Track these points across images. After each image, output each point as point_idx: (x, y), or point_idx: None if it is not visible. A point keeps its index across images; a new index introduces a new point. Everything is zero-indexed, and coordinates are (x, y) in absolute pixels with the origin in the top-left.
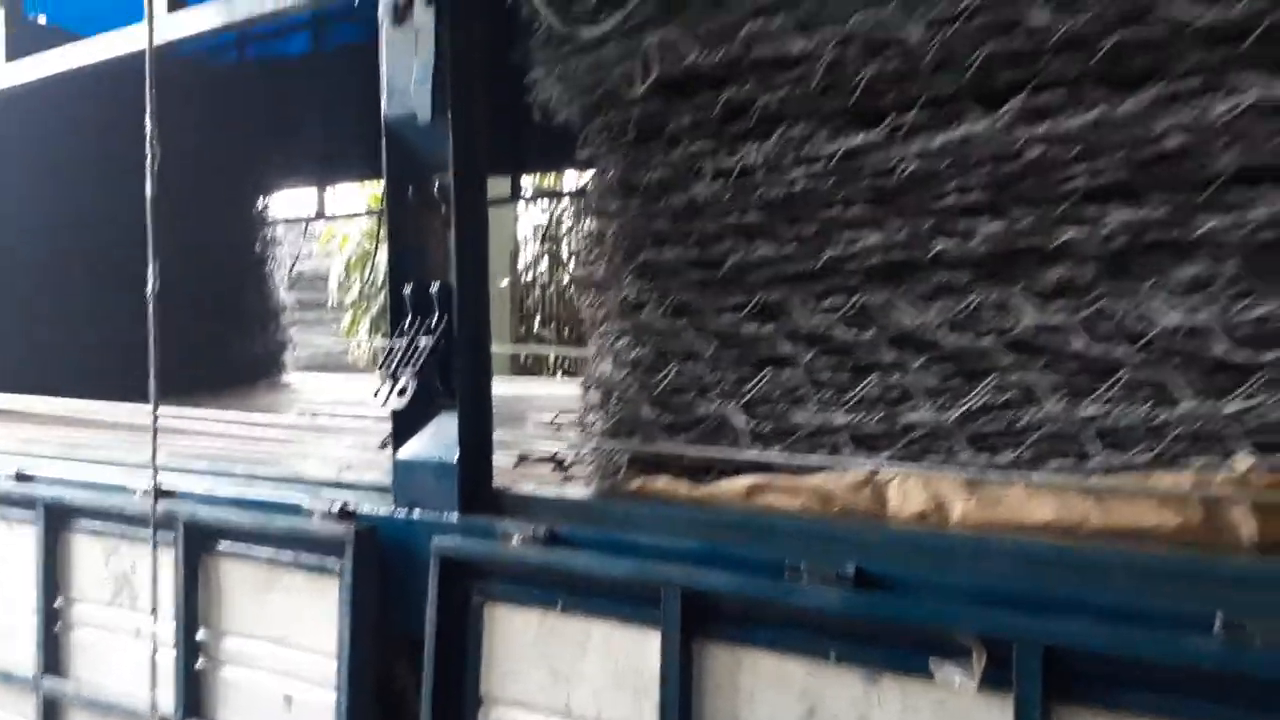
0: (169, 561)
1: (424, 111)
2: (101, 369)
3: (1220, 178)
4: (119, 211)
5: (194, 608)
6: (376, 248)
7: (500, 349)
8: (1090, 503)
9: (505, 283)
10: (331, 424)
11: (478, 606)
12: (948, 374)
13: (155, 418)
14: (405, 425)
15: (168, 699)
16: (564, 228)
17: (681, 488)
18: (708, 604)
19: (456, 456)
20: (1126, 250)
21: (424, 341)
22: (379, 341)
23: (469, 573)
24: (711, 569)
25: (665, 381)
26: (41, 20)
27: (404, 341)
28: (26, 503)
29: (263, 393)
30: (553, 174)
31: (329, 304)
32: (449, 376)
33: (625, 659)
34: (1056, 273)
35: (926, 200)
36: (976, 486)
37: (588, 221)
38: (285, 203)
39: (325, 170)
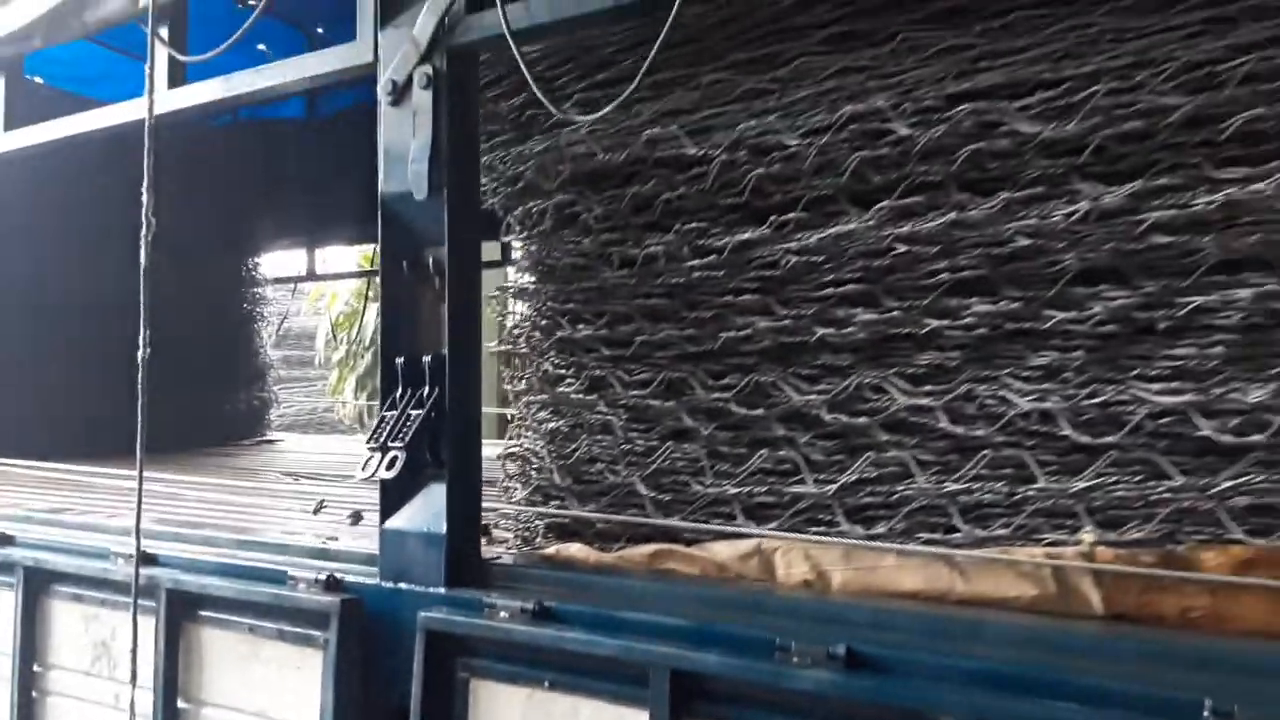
0: (150, 629)
1: (420, 189)
2: (85, 427)
3: (1064, 276)
4: (103, 272)
5: (174, 677)
6: (364, 308)
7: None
8: (955, 573)
9: (495, 344)
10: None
11: (464, 682)
12: (830, 450)
13: (141, 483)
14: (393, 495)
15: None
16: None
17: (592, 554)
18: (696, 684)
19: (445, 528)
20: (988, 339)
21: (415, 413)
22: (363, 401)
23: (455, 647)
24: (700, 648)
25: (578, 451)
26: (38, 81)
27: (394, 414)
28: (6, 567)
29: (246, 452)
30: None
31: (316, 362)
32: (438, 448)
33: None
34: (926, 358)
35: (808, 290)
36: (853, 556)
37: (510, 300)
38: (275, 262)
39: (315, 232)
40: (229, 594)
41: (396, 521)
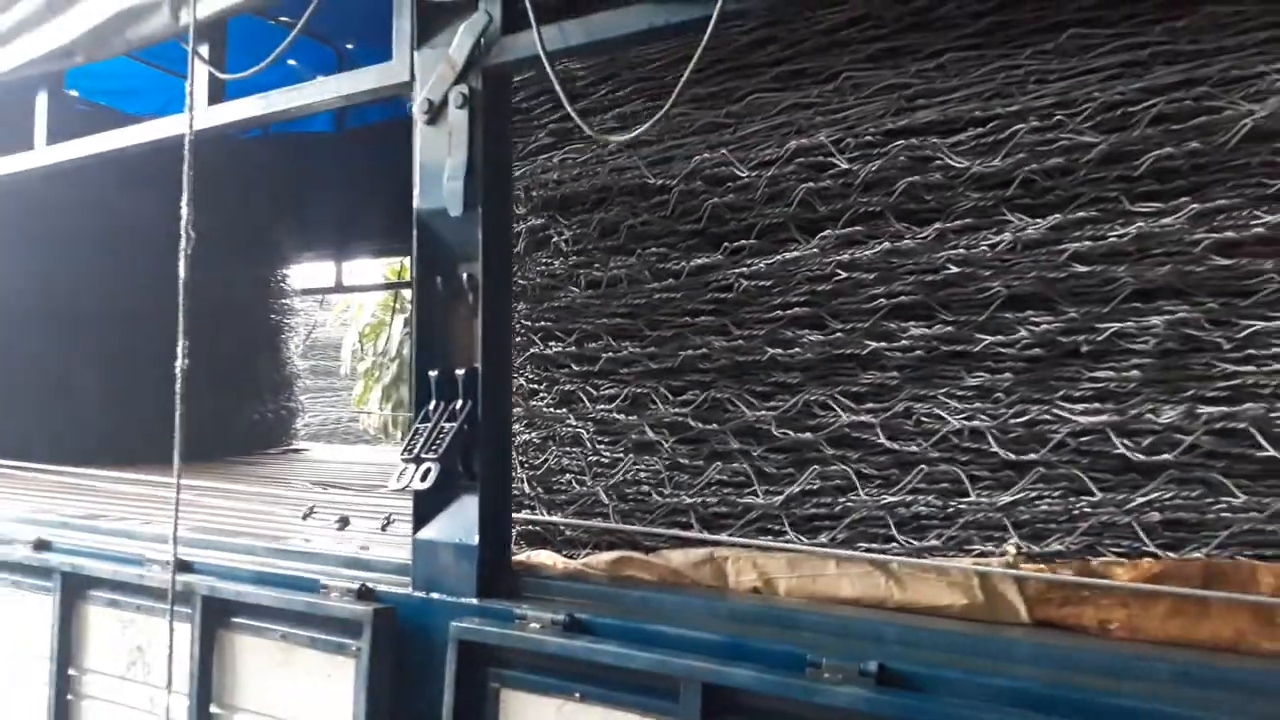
0: (184, 635)
1: (455, 206)
2: (114, 435)
3: (993, 302)
4: (134, 282)
5: (208, 682)
6: (391, 320)
7: None
8: (891, 582)
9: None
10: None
11: (495, 692)
12: (781, 463)
13: (178, 491)
14: (426, 506)
15: None
16: None
17: (559, 560)
18: (727, 698)
19: (477, 539)
20: (925, 360)
21: (448, 426)
22: (388, 411)
23: (487, 658)
24: (732, 663)
25: (547, 462)
26: (74, 95)
27: (428, 426)
28: (44, 572)
29: (273, 461)
30: None
31: (341, 372)
32: (471, 460)
33: None
34: (868, 377)
35: (761, 312)
36: (797, 565)
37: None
38: (303, 273)
39: (342, 244)
40: (263, 601)
41: (429, 532)
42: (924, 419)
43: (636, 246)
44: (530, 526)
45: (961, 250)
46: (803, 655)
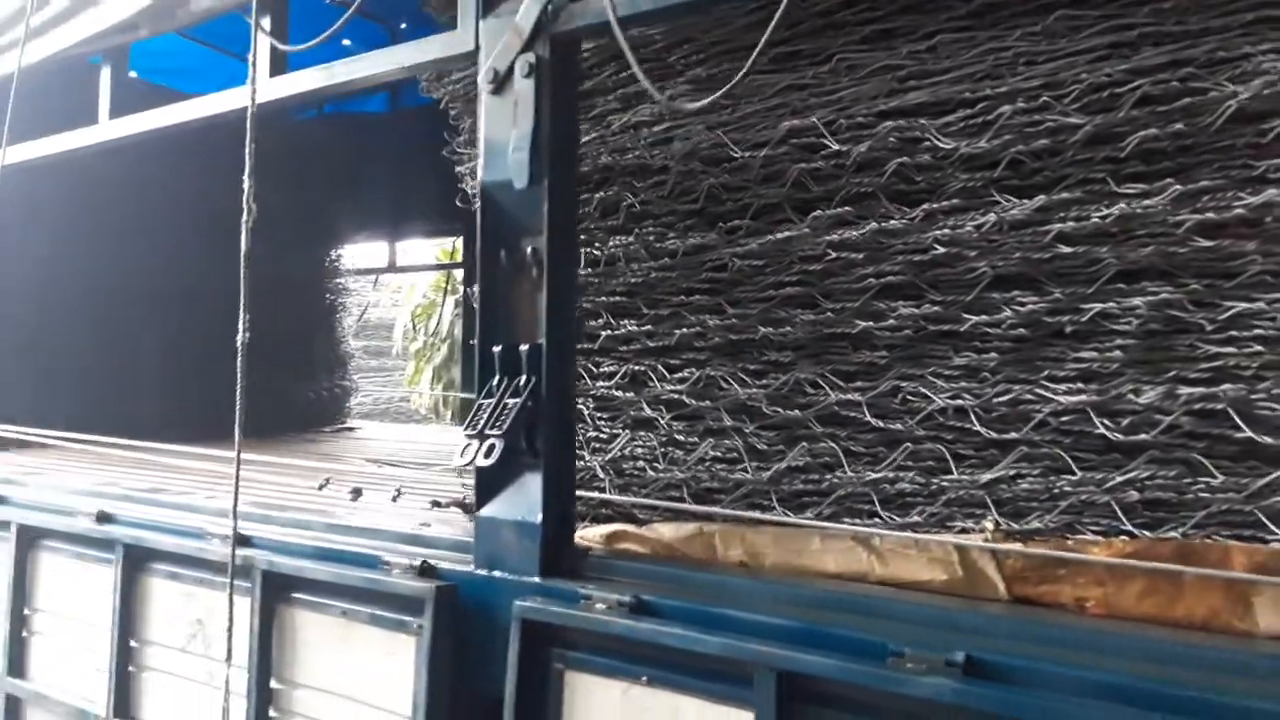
0: (244, 609)
1: (521, 178)
2: (176, 412)
3: (980, 282)
4: (189, 262)
5: (267, 657)
6: (443, 300)
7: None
8: (873, 558)
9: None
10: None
11: (559, 673)
12: (772, 440)
13: (239, 466)
14: (489, 483)
15: None
16: None
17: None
18: (805, 687)
19: (540, 517)
20: (914, 339)
21: (512, 402)
22: (439, 391)
23: (551, 638)
24: (808, 650)
25: None
26: (133, 76)
27: (491, 402)
28: (106, 544)
29: (327, 439)
30: None
31: (393, 353)
32: (534, 437)
33: None
34: (860, 356)
35: (753, 292)
36: (782, 540)
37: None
38: (357, 254)
39: (395, 224)
40: (323, 577)
41: (491, 509)
42: (910, 397)
43: (635, 226)
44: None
45: (948, 231)
46: (883, 644)
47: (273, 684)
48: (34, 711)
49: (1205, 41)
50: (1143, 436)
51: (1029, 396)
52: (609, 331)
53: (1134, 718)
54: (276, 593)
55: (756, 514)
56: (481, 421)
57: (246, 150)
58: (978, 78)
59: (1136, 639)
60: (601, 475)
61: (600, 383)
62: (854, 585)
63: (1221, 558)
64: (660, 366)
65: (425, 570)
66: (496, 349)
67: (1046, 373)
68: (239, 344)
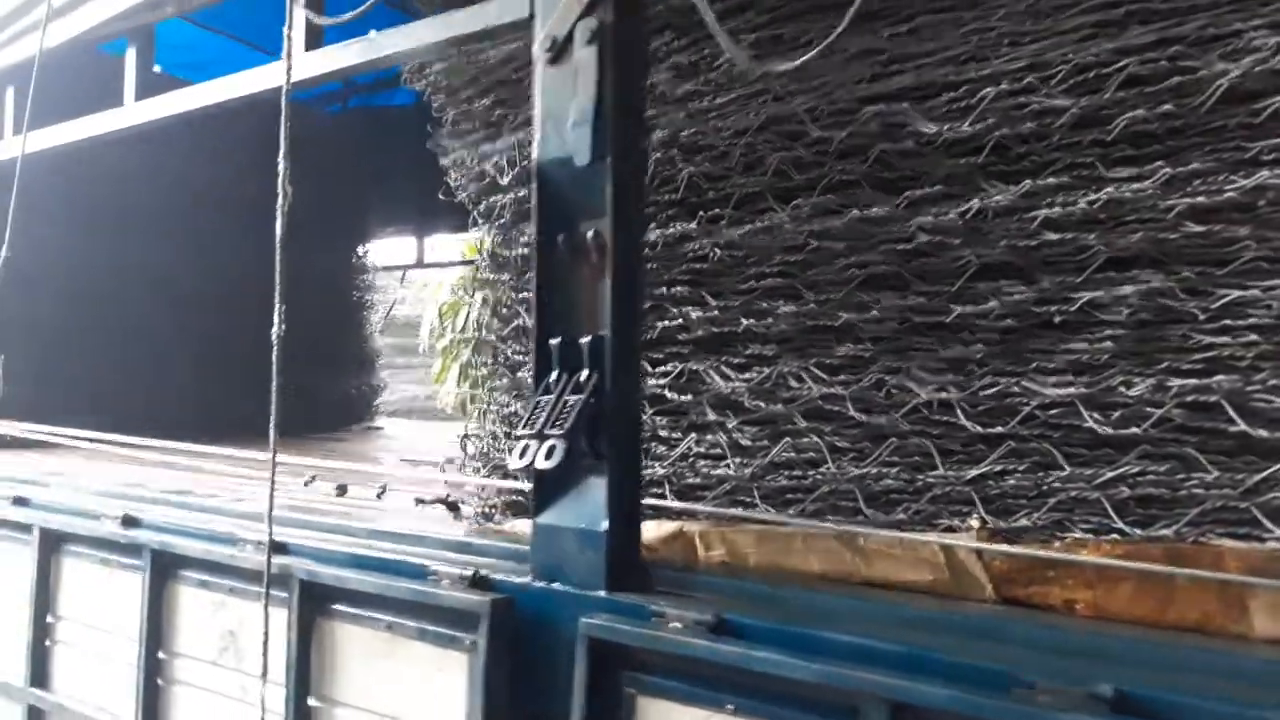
0: (280, 620)
1: (582, 155)
2: (206, 411)
3: (966, 271)
4: (220, 261)
5: (305, 673)
6: (472, 296)
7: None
8: (858, 557)
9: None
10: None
11: (630, 698)
12: (756, 435)
13: (274, 468)
14: (548, 488)
15: None
16: None
17: None
18: None
19: (604, 525)
20: (899, 331)
21: (573, 399)
22: (466, 389)
23: (621, 659)
24: (921, 678)
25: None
26: (156, 69)
27: (550, 399)
28: (133, 549)
29: (355, 437)
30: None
31: (420, 350)
32: (597, 437)
33: None
34: (843, 350)
35: (735, 283)
36: (765, 539)
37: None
38: (384, 250)
39: (423, 221)
40: (366, 588)
41: (551, 516)
42: (894, 390)
43: None
44: (517, 499)
45: (930, 218)
46: (1005, 672)
47: (311, 701)
48: None
49: (1194, 18)
50: (1134, 430)
51: (1016, 389)
52: None
53: None
54: (315, 604)
55: (738, 511)
56: (540, 420)
57: (281, 130)
58: (962, 60)
59: None
60: None
61: None
62: (963, 604)
63: (1215, 560)
64: (643, 361)
65: (478, 581)
66: (554, 341)
67: (1035, 365)
68: (274, 338)
